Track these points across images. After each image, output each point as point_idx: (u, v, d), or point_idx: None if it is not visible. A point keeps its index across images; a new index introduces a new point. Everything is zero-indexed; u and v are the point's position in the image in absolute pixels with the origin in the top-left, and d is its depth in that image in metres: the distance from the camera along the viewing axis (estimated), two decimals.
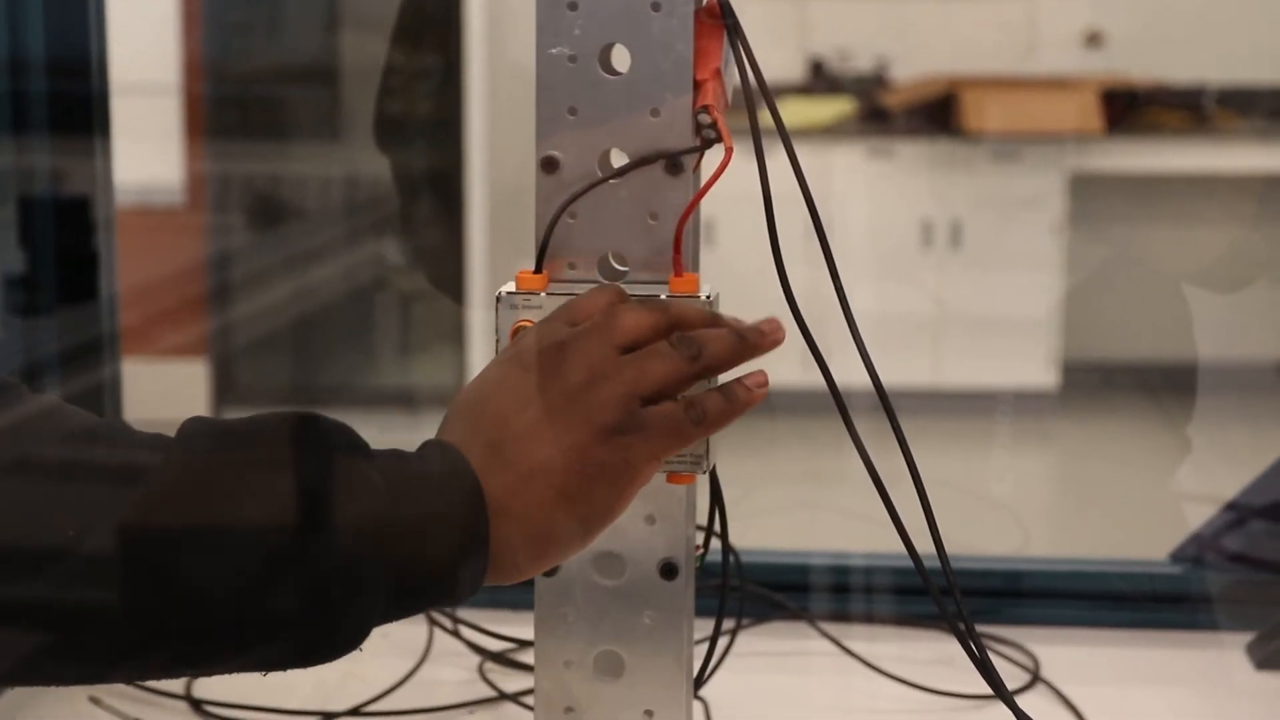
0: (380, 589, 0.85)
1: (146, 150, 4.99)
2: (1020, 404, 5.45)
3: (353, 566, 0.83)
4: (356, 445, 0.87)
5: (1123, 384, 5.86)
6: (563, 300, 0.97)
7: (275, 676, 0.90)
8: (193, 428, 0.86)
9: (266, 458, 0.84)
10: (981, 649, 0.98)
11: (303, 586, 0.83)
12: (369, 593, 0.84)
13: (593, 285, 0.98)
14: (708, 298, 0.97)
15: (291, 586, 0.82)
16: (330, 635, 0.85)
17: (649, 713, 1.04)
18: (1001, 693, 0.98)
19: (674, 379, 0.92)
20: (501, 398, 0.92)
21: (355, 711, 1.29)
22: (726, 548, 1.09)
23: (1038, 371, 5.53)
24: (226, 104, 5.33)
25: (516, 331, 0.98)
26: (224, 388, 5.46)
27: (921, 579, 0.97)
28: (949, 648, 1.01)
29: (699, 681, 1.14)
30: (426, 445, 0.91)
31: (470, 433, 0.90)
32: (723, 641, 1.17)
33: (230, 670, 0.86)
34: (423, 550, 0.85)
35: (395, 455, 0.88)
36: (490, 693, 1.32)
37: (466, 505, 0.87)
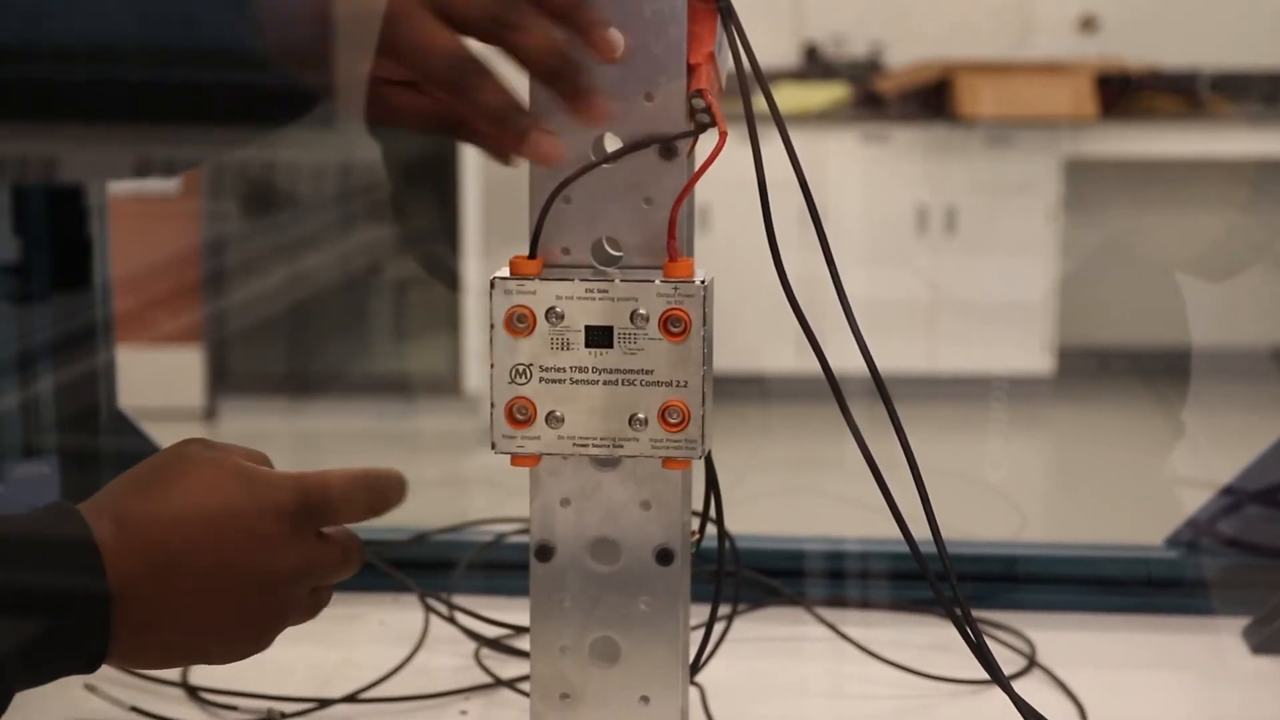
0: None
1: None
2: (1015, 389, 5.45)
3: None
4: None
5: (1118, 369, 5.87)
6: (556, 285, 0.97)
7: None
8: None
9: None
10: (978, 634, 0.98)
11: None
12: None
13: (587, 270, 0.98)
14: (702, 282, 0.97)
15: None
16: None
17: (645, 698, 1.04)
18: (998, 678, 0.98)
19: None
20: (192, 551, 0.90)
21: (351, 698, 1.29)
22: (722, 533, 1.09)
23: (1033, 357, 5.54)
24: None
25: (510, 319, 0.97)
26: (218, 374, 5.46)
27: (918, 564, 0.97)
28: (945, 633, 1.01)
29: (695, 667, 1.14)
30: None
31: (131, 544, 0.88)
32: (719, 627, 1.17)
33: None
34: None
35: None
36: (486, 679, 1.32)
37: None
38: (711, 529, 1.07)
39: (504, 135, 0.93)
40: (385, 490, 0.95)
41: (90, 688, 1.26)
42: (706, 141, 0.96)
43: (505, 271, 0.98)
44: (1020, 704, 1.00)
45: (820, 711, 1.30)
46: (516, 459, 0.99)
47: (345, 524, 0.95)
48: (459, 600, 1.42)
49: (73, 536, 0.86)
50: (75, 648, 0.86)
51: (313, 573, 0.93)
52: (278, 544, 0.91)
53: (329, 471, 0.94)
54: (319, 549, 0.93)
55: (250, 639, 0.93)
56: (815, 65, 5.87)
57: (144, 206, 5.18)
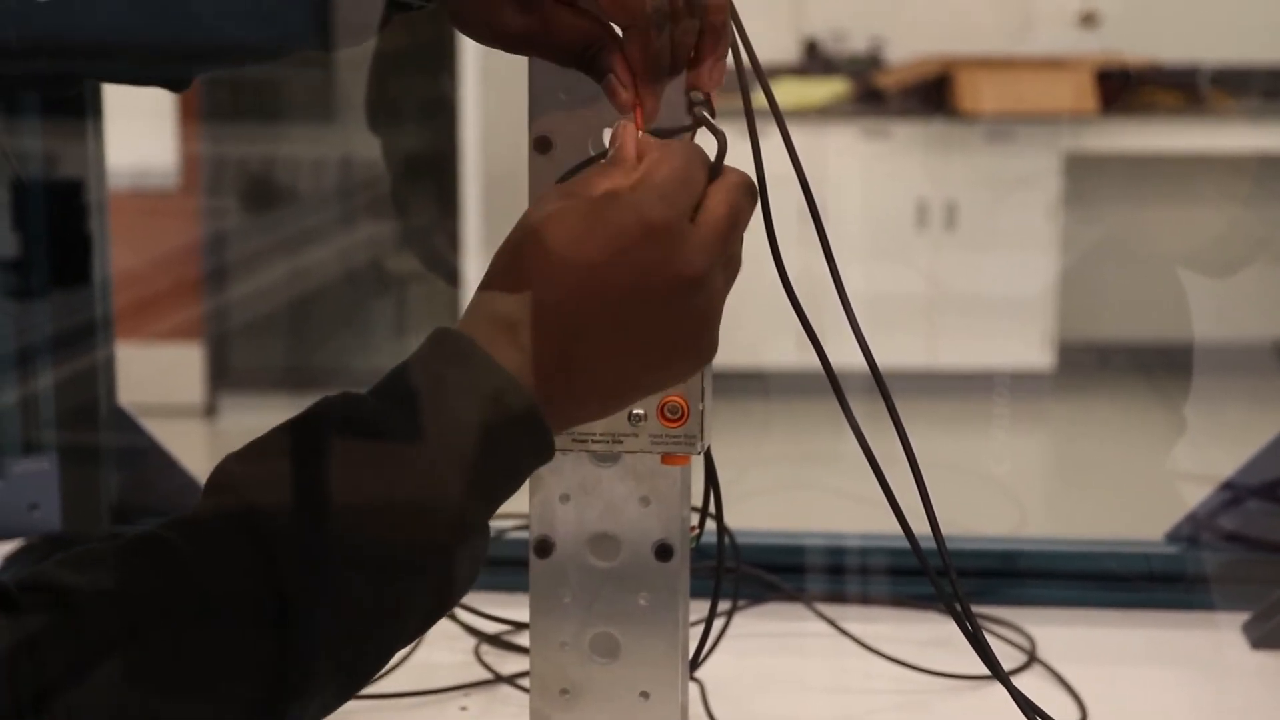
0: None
1: (140, 133, 4.99)
2: (1016, 384, 5.45)
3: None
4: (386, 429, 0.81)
5: (1118, 364, 5.87)
6: None
7: None
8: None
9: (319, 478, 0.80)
10: (977, 629, 0.98)
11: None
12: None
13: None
14: None
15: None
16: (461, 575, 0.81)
17: (645, 694, 1.04)
18: (998, 673, 0.98)
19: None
20: (594, 329, 0.83)
21: None
22: (722, 529, 1.09)
23: (1033, 352, 5.54)
24: (220, 86, 5.32)
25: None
26: (219, 371, 5.46)
27: (917, 560, 0.97)
28: (945, 628, 1.01)
29: (695, 663, 1.14)
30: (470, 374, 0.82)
31: (538, 354, 0.83)
32: (718, 623, 1.17)
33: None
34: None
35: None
36: (486, 675, 1.32)
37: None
38: (711, 524, 1.07)
39: (646, 73, 0.91)
40: (694, 146, 0.89)
41: None
42: (705, 137, 0.96)
43: None
44: (1020, 699, 1.00)
45: (820, 707, 1.30)
46: None
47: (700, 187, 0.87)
48: None
49: (479, 367, 0.81)
50: (524, 457, 0.83)
51: (715, 249, 0.85)
52: (672, 257, 0.83)
53: (659, 157, 0.86)
54: (705, 227, 0.85)
55: (700, 346, 0.86)
56: (815, 61, 5.87)
57: (144, 203, 5.18)
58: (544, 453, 0.83)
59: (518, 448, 0.82)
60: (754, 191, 0.89)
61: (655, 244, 0.83)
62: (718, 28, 0.92)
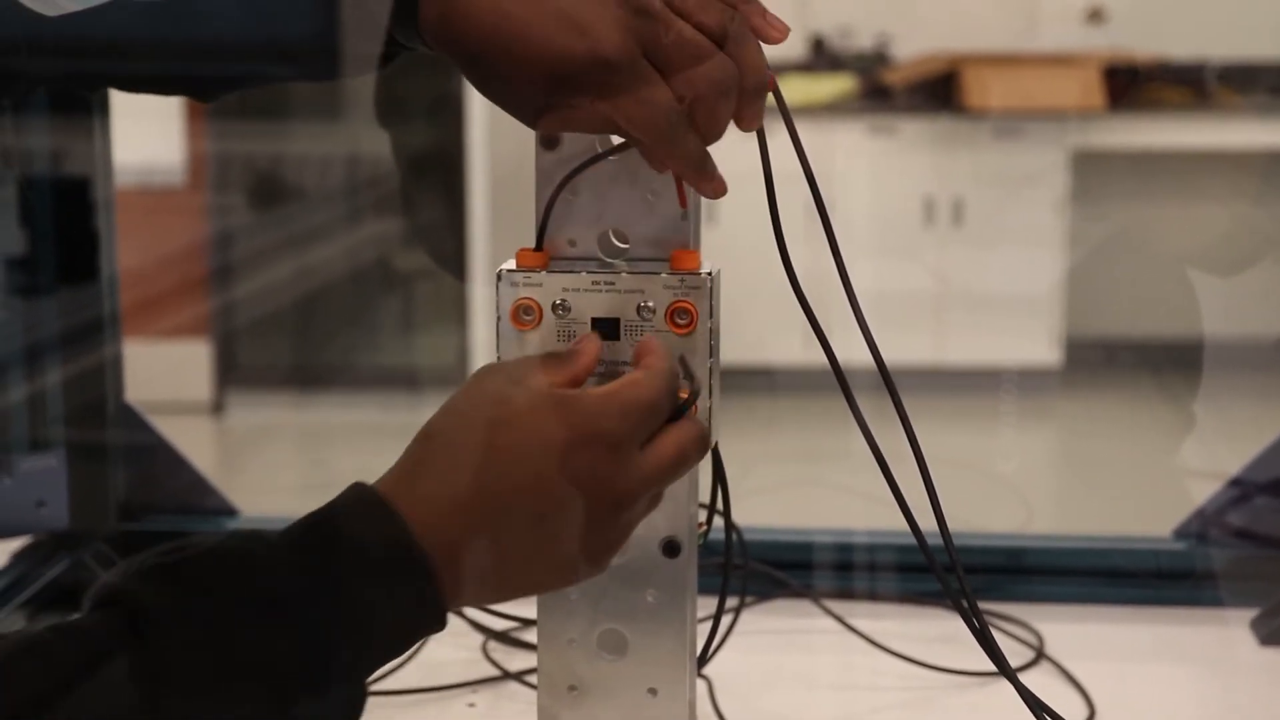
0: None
1: (147, 130, 4.99)
2: (1023, 381, 5.45)
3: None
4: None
5: (1126, 361, 5.86)
6: (562, 278, 0.97)
7: None
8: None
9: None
10: (985, 626, 0.98)
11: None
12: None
13: (593, 262, 0.98)
14: (709, 274, 0.96)
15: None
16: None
17: (652, 691, 1.04)
18: (1005, 669, 0.98)
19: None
20: (501, 502, 0.85)
21: None
22: (729, 525, 1.09)
23: (1040, 349, 5.53)
24: None
25: (516, 311, 0.97)
26: (226, 368, 5.46)
27: (925, 556, 0.97)
28: (953, 625, 1.01)
29: (702, 659, 1.14)
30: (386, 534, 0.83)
31: (448, 526, 0.84)
32: (726, 619, 1.17)
33: None
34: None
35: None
36: (493, 672, 1.32)
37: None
38: (719, 521, 1.07)
39: (685, 169, 0.93)
40: (677, 383, 0.91)
41: None
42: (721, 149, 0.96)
43: (512, 264, 0.98)
44: (1028, 696, 0.99)
45: (827, 703, 1.30)
46: None
47: (658, 425, 0.89)
48: None
49: (384, 530, 0.82)
50: (412, 626, 0.84)
51: (649, 483, 0.88)
52: (610, 473, 0.86)
53: (634, 380, 0.88)
54: (650, 459, 0.88)
55: (598, 562, 0.89)
56: (822, 57, 5.86)
57: (151, 200, 5.18)
58: (435, 627, 0.84)
59: (412, 622, 0.84)
60: (705, 447, 0.92)
61: (600, 458, 0.85)
62: (753, 92, 0.92)
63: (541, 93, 0.88)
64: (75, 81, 1.16)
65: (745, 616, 1.31)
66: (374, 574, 0.82)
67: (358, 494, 0.84)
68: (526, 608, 1.00)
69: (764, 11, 0.93)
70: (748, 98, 0.91)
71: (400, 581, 0.82)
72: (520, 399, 0.86)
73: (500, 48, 0.87)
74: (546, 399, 0.86)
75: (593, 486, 0.86)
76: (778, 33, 0.93)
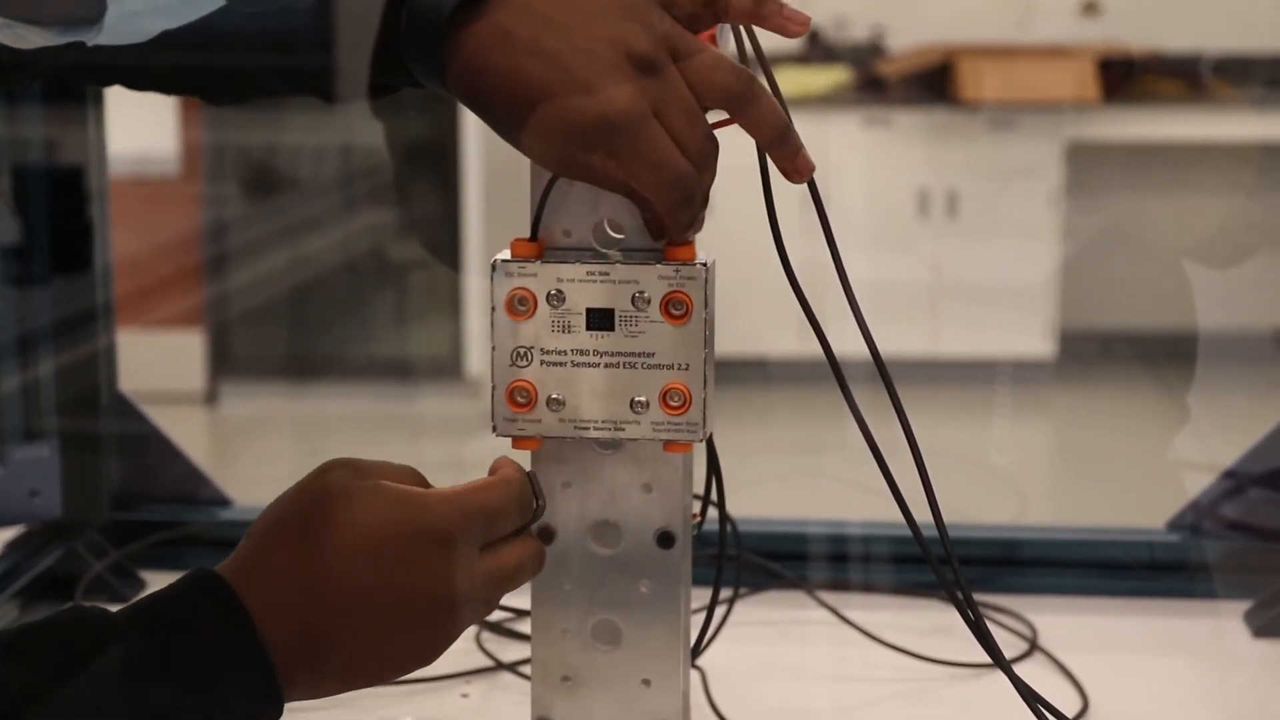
0: None
1: (141, 120, 4.98)
2: (1017, 373, 5.45)
3: None
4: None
5: (1120, 353, 5.87)
6: (557, 268, 0.97)
7: None
8: None
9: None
10: (979, 618, 0.98)
11: None
12: None
13: (588, 253, 0.98)
14: (704, 265, 0.96)
15: None
16: None
17: (646, 681, 1.04)
18: (999, 661, 0.98)
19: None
20: (341, 593, 0.87)
21: None
22: (724, 516, 1.09)
23: (1035, 341, 5.53)
24: None
25: (511, 302, 0.97)
26: (219, 358, 5.46)
27: (919, 548, 0.97)
28: (947, 616, 1.01)
29: (696, 650, 1.14)
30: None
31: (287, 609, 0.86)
32: (720, 610, 1.17)
33: None
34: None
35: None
36: (487, 662, 1.32)
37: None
38: (713, 512, 1.07)
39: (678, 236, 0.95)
40: (528, 497, 0.94)
41: None
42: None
43: (506, 254, 0.98)
44: (1021, 687, 0.99)
45: (822, 695, 1.30)
46: (518, 441, 0.99)
47: (502, 533, 0.92)
48: None
49: (227, 619, 0.84)
50: (249, 715, 0.85)
51: (484, 588, 0.91)
52: (446, 571, 0.88)
53: (481, 485, 0.92)
54: (488, 564, 0.91)
55: (428, 657, 0.91)
56: (817, 49, 5.86)
57: (145, 189, 5.18)
58: (273, 717, 0.85)
59: (250, 710, 0.84)
60: (540, 565, 0.95)
61: (436, 555, 0.88)
62: (778, 143, 0.94)
63: (557, 147, 0.91)
64: (82, 77, 1.17)
65: (739, 607, 1.31)
66: (214, 662, 0.83)
67: (201, 579, 0.85)
68: (520, 597, 1.00)
69: (782, 8, 0.94)
70: (780, 153, 0.94)
71: (240, 670, 0.83)
72: (362, 492, 0.88)
73: (518, 104, 0.90)
74: (388, 493, 0.89)
75: (427, 583, 0.88)
76: (799, 26, 0.95)
